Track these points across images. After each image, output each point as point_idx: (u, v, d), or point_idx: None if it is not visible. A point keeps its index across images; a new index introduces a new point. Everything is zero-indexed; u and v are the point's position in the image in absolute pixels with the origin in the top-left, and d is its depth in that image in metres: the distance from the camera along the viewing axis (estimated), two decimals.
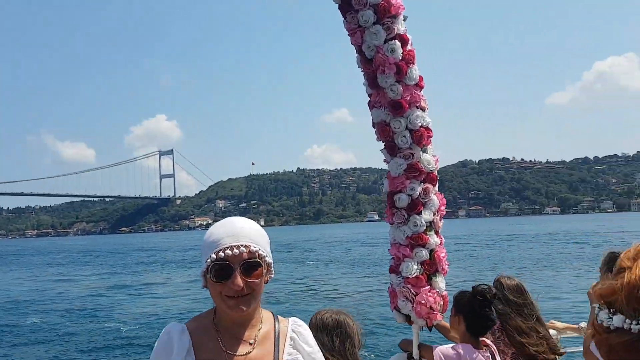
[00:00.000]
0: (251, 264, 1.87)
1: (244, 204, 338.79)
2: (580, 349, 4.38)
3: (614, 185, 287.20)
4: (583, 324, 4.30)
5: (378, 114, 3.77)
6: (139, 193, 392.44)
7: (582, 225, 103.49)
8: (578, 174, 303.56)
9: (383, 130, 3.77)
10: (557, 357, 3.96)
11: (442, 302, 3.77)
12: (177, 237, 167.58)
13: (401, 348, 3.99)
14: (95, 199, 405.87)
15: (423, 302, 3.67)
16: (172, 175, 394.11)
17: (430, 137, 3.79)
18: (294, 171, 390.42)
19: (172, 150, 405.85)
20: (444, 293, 3.80)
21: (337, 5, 3.66)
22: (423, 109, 3.75)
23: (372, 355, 12.32)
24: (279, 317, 2.11)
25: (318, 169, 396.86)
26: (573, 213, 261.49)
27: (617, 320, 1.16)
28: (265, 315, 2.06)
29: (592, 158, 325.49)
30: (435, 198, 3.81)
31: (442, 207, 3.89)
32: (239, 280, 1.83)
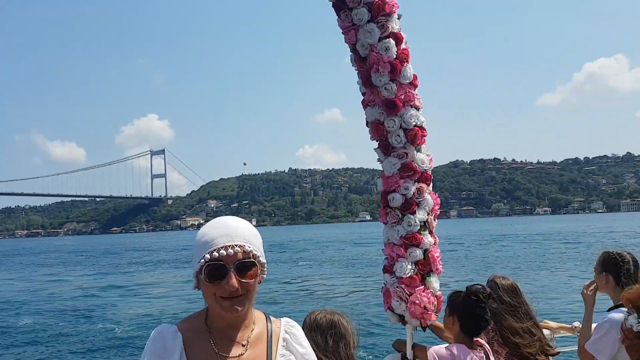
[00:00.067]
0: (245, 264, 1.83)
1: (235, 204, 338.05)
2: (574, 348, 4.38)
3: (604, 186, 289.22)
4: (577, 324, 4.29)
5: (372, 113, 3.76)
6: (130, 193, 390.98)
7: (573, 226, 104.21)
8: (569, 174, 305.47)
9: (377, 129, 3.75)
10: (550, 357, 3.96)
11: (436, 302, 3.76)
12: (168, 237, 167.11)
13: (395, 348, 3.98)
14: (86, 199, 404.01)
15: (417, 302, 3.66)
16: (164, 175, 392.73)
17: (425, 136, 3.78)
18: (286, 171, 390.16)
19: (163, 150, 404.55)
20: (438, 293, 3.79)
21: (331, 3, 3.64)
22: (417, 108, 3.73)
23: (367, 356, 12.31)
24: (271, 317, 2.08)
25: (310, 169, 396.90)
26: (564, 213, 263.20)
27: None
28: (257, 316, 2.03)
29: (582, 159, 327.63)
30: (429, 197, 3.80)
31: (436, 207, 3.88)
32: (234, 281, 1.79)
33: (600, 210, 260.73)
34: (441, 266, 3.85)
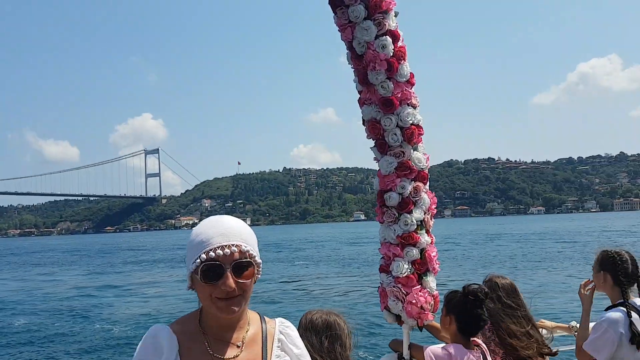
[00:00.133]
0: (242, 264, 1.79)
1: (230, 204, 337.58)
2: (571, 347, 4.37)
3: (597, 186, 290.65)
4: (574, 323, 4.28)
5: (368, 111, 3.72)
6: (124, 192, 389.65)
7: (568, 225, 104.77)
8: (562, 174, 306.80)
9: (373, 128, 3.72)
10: (546, 358, 3.94)
11: (433, 302, 3.73)
12: (163, 237, 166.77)
13: (391, 348, 3.94)
14: (80, 198, 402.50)
15: (414, 301, 3.63)
16: (158, 175, 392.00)
17: (421, 134, 3.75)
18: (280, 171, 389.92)
19: (157, 149, 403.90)
20: (435, 293, 3.76)
21: (327, 0, 3.60)
22: (414, 107, 3.70)
23: (364, 356, 12.29)
24: (266, 318, 2.05)
25: (304, 169, 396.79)
26: (557, 213, 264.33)
27: None
28: (251, 316, 2.00)
29: (576, 158, 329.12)
30: (426, 197, 3.77)
31: (433, 206, 3.85)
32: (231, 281, 1.75)
33: (594, 210, 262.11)
34: (438, 265, 3.83)
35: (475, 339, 3.43)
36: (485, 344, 3.54)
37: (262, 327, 1.99)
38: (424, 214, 3.76)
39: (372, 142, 3.84)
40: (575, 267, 31.32)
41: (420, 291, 3.66)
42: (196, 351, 1.84)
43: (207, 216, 1.98)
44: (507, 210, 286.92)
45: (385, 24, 3.52)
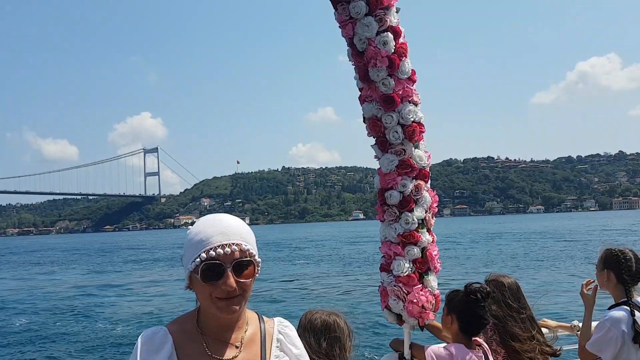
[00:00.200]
0: (242, 263, 1.76)
1: (229, 203, 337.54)
2: (573, 347, 4.33)
3: (596, 184, 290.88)
4: (576, 323, 4.24)
5: (369, 109, 3.68)
6: (123, 191, 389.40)
7: (568, 224, 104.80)
8: (561, 173, 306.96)
9: (374, 126, 3.67)
10: (548, 358, 3.90)
11: (434, 301, 3.69)
12: (162, 236, 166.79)
13: (392, 348, 3.90)
14: (79, 197, 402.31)
15: (415, 301, 3.58)
16: (157, 174, 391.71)
17: (423, 132, 3.70)
18: (279, 170, 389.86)
19: (156, 148, 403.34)
20: (436, 292, 3.72)
21: None
22: (415, 104, 3.65)
23: (364, 355, 12.26)
24: (264, 317, 2.02)
25: (303, 168, 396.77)
26: (556, 212, 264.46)
27: None
28: (250, 316, 1.96)
29: (575, 157, 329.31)
30: (427, 195, 3.73)
31: (434, 205, 3.80)
32: (232, 281, 1.72)
33: (593, 209, 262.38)
34: (439, 264, 3.79)
35: (476, 338, 3.39)
36: (487, 344, 3.51)
37: (260, 327, 1.96)
38: (425, 213, 3.72)
39: (372, 140, 3.79)
40: (577, 266, 31.27)
41: (421, 290, 3.62)
42: (194, 352, 1.81)
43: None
44: (506, 209, 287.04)
45: (386, 20, 3.47)
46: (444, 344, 3.43)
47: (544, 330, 4.10)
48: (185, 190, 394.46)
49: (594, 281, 3.88)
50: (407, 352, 3.69)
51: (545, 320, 4.33)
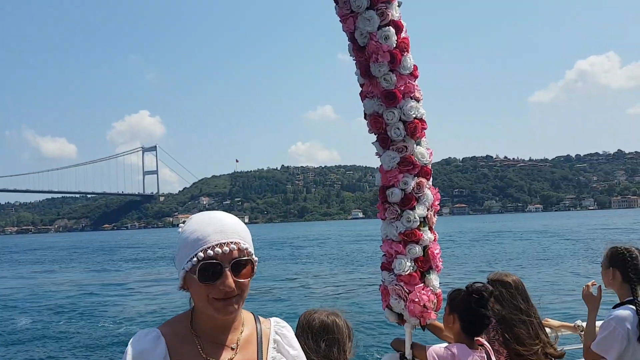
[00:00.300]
0: (241, 263, 1.70)
1: (228, 201, 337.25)
2: (576, 347, 4.29)
3: (595, 183, 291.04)
4: (580, 322, 4.20)
5: (370, 105, 3.63)
6: (122, 190, 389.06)
7: (568, 222, 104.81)
8: (560, 171, 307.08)
9: (375, 122, 3.62)
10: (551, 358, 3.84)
11: (435, 301, 3.65)
12: (162, 234, 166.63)
13: (393, 348, 3.86)
14: (77, 196, 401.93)
15: (416, 300, 3.55)
16: (156, 172, 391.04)
17: (425, 129, 3.66)
18: (278, 168, 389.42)
19: (155, 146, 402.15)
20: (438, 291, 3.68)
21: None
22: (417, 100, 3.61)
23: (365, 355, 12.22)
24: (260, 317, 1.96)
25: (302, 167, 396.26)
26: (555, 210, 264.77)
27: None
28: (246, 316, 1.90)
29: (574, 156, 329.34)
30: (429, 193, 3.69)
31: (436, 202, 3.77)
32: (230, 281, 1.66)
33: (592, 208, 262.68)
34: (441, 263, 3.74)
35: (479, 338, 3.34)
36: (489, 344, 3.46)
37: (256, 328, 1.89)
38: (427, 211, 3.68)
39: (373, 137, 3.74)
40: (580, 265, 31.14)
41: (423, 289, 3.58)
42: (188, 355, 1.74)
43: None
44: (505, 208, 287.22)
45: (388, 14, 3.42)
46: (446, 344, 3.39)
47: (546, 330, 4.05)
48: (184, 189, 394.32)
49: (594, 284, 3.83)
50: (408, 352, 3.65)
51: (548, 319, 4.27)
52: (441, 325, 3.62)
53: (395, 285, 3.60)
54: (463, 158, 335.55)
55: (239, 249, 1.70)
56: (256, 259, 1.78)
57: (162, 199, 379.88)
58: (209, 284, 1.66)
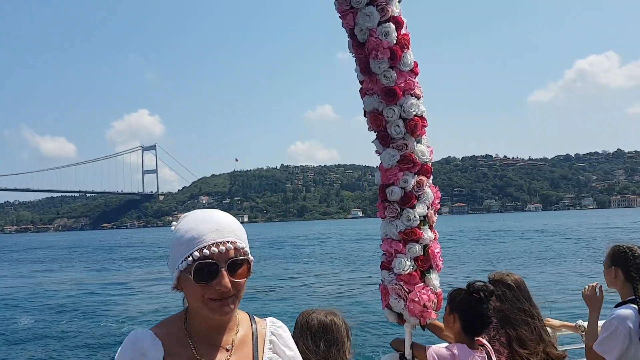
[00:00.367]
0: (237, 262, 1.66)
1: (227, 201, 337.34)
2: (578, 347, 4.26)
3: (594, 182, 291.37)
4: (581, 322, 4.16)
5: (370, 102, 3.59)
6: (121, 189, 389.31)
7: (567, 222, 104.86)
8: (559, 171, 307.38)
9: (375, 119, 3.59)
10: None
11: (436, 300, 3.61)
12: (161, 233, 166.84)
13: (393, 348, 3.83)
14: (76, 195, 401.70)
15: (416, 299, 3.51)
16: (155, 171, 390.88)
17: (425, 126, 3.63)
18: (278, 168, 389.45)
19: (154, 145, 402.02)
20: (438, 290, 3.64)
21: None
22: (418, 97, 3.57)
23: (364, 355, 12.18)
24: (256, 317, 1.91)
25: (302, 166, 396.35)
26: (555, 210, 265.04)
27: None
28: (241, 317, 1.85)
29: (573, 155, 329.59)
30: (430, 191, 3.66)
31: (437, 201, 3.74)
32: (227, 281, 1.61)
33: (591, 207, 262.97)
34: (441, 262, 3.70)
35: (479, 338, 3.31)
36: (490, 344, 3.43)
37: (252, 328, 1.85)
38: (427, 209, 3.65)
39: (373, 135, 3.71)
40: (582, 264, 31.05)
41: (423, 289, 3.55)
42: (182, 356, 1.70)
43: None
44: (505, 207, 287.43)
45: (388, 10, 3.38)
46: (446, 344, 3.35)
47: (547, 330, 4.01)
48: (183, 188, 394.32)
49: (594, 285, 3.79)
50: (408, 352, 3.62)
51: (549, 319, 4.24)
52: (441, 324, 3.59)
53: (395, 284, 3.57)
54: (462, 157, 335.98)
55: (235, 249, 1.66)
56: (252, 258, 1.73)
57: (161, 198, 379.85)
58: (205, 284, 1.62)
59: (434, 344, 3.49)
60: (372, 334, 14.72)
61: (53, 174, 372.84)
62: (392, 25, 3.40)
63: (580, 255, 36.89)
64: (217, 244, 1.62)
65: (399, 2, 3.46)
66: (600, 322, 3.60)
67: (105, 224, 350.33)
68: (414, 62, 3.55)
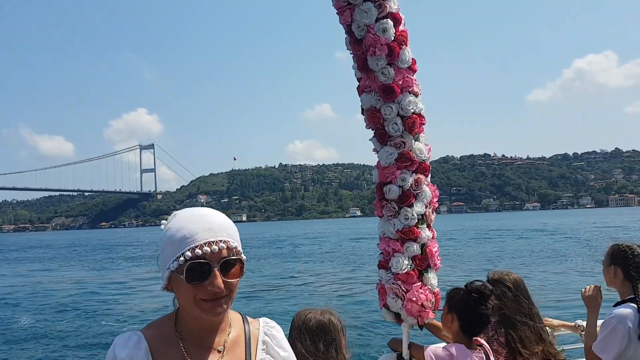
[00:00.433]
0: (230, 262, 1.61)
1: (225, 200, 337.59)
2: (577, 346, 4.23)
3: (592, 182, 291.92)
4: (580, 322, 4.13)
5: (368, 100, 3.55)
6: (119, 187, 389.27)
7: (566, 221, 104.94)
8: (558, 170, 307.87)
9: (373, 117, 3.55)
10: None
11: (434, 300, 3.58)
12: (159, 232, 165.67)
13: (390, 348, 3.80)
14: (74, 194, 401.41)
15: (414, 299, 3.48)
16: (153, 170, 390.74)
17: (423, 124, 3.59)
18: (276, 167, 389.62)
19: (153, 144, 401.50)
20: (436, 290, 3.61)
21: None
22: (416, 94, 3.53)
23: (362, 355, 12.14)
24: (249, 318, 1.86)
25: (300, 165, 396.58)
26: (553, 209, 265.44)
27: None
28: (233, 317, 1.80)
29: (571, 154, 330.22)
30: (428, 189, 3.62)
31: (435, 199, 3.70)
32: (219, 281, 1.57)
33: (589, 206, 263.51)
34: (439, 261, 3.67)
35: (478, 338, 3.28)
36: (488, 343, 3.39)
37: (244, 329, 1.80)
38: (425, 208, 3.61)
39: (371, 133, 3.67)
40: (582, 263, 30.97)
41: (420, 288, 3.51)
42: (172, 358, 1.66)
43: None
44: (503, 206, 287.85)
45: (386, 6, 3.34)
46: (444, 344, 3.32)
47: (546, 329, 3.98)
48: (181, 187, 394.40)
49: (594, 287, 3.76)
50: (405, 352, 3.59)
51: (548, 319, 4.21)
52: (439, 324, 3.56)
53: (393, 283, 3.53)
54: (461, 156, 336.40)
55: (228, 248, 1.61)
56: (245, 257, 1.69)
57: (159, 197, 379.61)
58: (197, 284, 1.58)
59: (432, 344, 3.46)
60: (370, 333, 14.67)
61: (51, 173, 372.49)
62: (390, 22, 3.36)
63: (581, 254, 36.80)
64: (209, 244, 1.58)
65: None
66: (599, 322, 3.57)
67: (104, 223, 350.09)
68: (412, 59, 3.51)
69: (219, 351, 1.71)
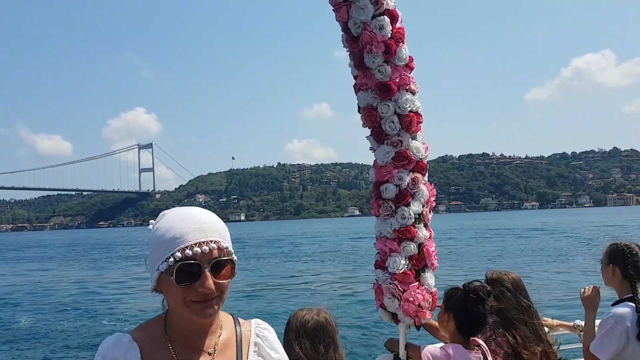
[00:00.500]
0: (221, 263, 1.57)
1: (224, 199, 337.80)
2: (575, 346, 4.21)
3: (590, 181, 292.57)
4: (578, 322, 4.11)
5: (364, 98, 3.51)
6: (118, 187, 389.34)
7: (565, 220, 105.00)
8: (556, 169, 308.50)
9: (369, 115, 3.50)
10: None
11: (431, 300, 3.54)
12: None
13: (387, 348, 3.77)
14: (73, 193, 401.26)
15: (411, 299, 3.44)
16: (152, 169, 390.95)
17: (420, 122, 3.54)
18: (275, 166, 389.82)
19: (151, 143, 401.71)
20: (433, 290, 3.57)
21: None
22: (413, 93, 3.49)
23: (358, 356, 12.12)
24: (240, 319, 1.82)
25: (299, 164, 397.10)
26: (551, 208, 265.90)
27: None
28: (224, 319, 1.77)
29: (569, 154, 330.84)
30: (425, 188, 3.58)
31: (432, 199, 3.66)
32: (210, 282, 1.53)
33: (587, 205, 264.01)
34: (436, 261, 3.64)
35: (475, 338, 3.24)
36: (485, 343, 3.36)
37: (236, 330, 1.76)
38: (423, 207, 3.57)
39: (368, 132, 3.63)
40: (583, 262, 30.92)
41: (417, 288, 3.48)
42: None
43: None
44: (501, 205, 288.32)
45: (383, 3, 3.30)
46: (441, 344, 3.29)
47: (544, 329, 3.96)
48: (180, 186, 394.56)
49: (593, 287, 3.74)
50: (402, 353, 3.56)
51: (546, 319, 4.18)
52: (437, 324, 3.53)
53: (390, 283, 3.50)
54: (459, 155, 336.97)
55: (218, 248, 1.57)
56: (236, 258, 1.66)
57: (158, 196, 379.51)
58: (187, 285, 1.54)
59: (430, 344, 3.43)
60: (367, 334, 14.62)
61: (49, 172, 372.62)
62: (387, 19, 3.32)
63: (581, 253, 36.77)
64: (199, 244, 1.54)
65: None
66: (597, 321, 3.54)
67: (102, 223, 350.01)
68: (409, 56, 3.46)
69: (209, 353, 1.67)
